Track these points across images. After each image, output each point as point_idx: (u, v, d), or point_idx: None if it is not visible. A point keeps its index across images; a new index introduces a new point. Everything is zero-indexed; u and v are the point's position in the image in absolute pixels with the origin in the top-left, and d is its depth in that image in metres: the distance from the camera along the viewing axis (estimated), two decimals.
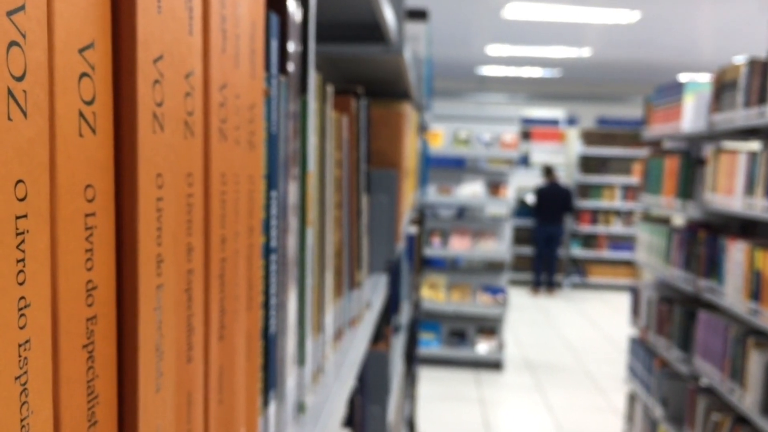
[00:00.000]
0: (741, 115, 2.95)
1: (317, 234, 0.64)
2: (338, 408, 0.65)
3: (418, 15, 2.40)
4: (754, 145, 3.41)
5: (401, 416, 2.20)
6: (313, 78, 0.57)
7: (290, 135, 0.48)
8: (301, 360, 0.55)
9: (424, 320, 5.96)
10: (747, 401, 2.69)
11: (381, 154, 1.29)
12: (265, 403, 0.43)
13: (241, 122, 0.35)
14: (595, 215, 10.13)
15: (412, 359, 2.69)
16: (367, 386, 1.18)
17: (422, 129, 3.64)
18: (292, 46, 0.48)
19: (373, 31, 1.20)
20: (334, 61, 1.63)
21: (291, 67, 0.49)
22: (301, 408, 0.55)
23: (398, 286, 1.92)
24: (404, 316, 2.16)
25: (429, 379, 5.60)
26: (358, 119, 0.84)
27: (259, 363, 0.41)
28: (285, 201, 0.47)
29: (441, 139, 6.06)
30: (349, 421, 0.87)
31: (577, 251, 10.13)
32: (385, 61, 1.36)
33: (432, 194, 5.98)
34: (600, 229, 10.08)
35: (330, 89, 0.70)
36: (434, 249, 6.00)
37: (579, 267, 10.23)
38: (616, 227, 10.02)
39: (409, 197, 2.10)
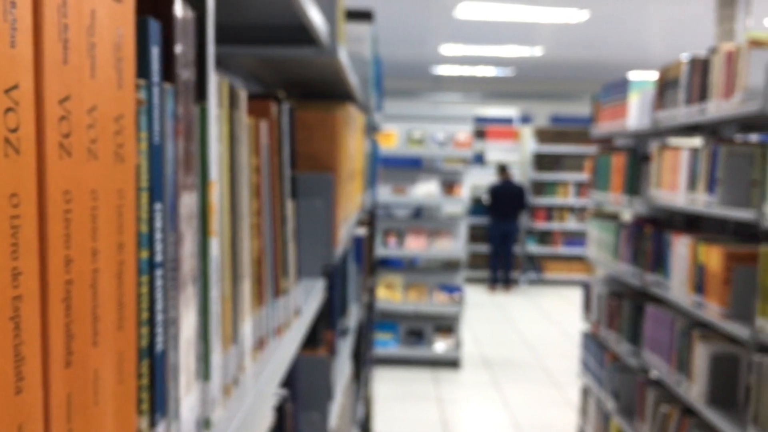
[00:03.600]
0: (683, 113, 3.01)
1: (228, 243, 0.62)
2: (254, 419, 0.64)
3: (363, 16, 2.39)
4: (697, 142, 3.49)
5: (352, 419, 2.19)
6: (213, 83, 0.55)
7: (180, 144, 0.46)
8: (205, 375, 0.54)
9: (380, 321, 5.96)
10: (693, 392, 2.75)
11: (316, 158, 1.28)
12: (153, 425, 0.42)
13: (100, 135, 0.33)
14: (549, 212, 10.27)
15: (363, 361, 2.68)
16: (302, 393, 1.17)
17: (373, 130, 3.63)
18: (180, 52, 0.46)
19: (303, 33, 1.19)
20: (271, 64, 1.61)
21: (182, 73, 0.47)
22: (206, 425, 0.53)
23: (344, 289, 1.91)
24: (353, 318, 2.15)
25: (386, 380, 5.61)
26: (280, 124, 0.83)
27: (140, 383, 0.40)
28: (175, 212, 0.45)
29: (395, 140, 6.07)
30: (279, 430, 0.86)
31: (533, 248, 10.26)
32: (320, 63, 1.35)
33: (386, 195, 5.98)
34: (555, 225, 10.22)
35: (243, 94, 0.68)
36: (390, 249, 6.00)
37: (535, 263, 10.36)
38: (571, 223, 10.17)
39: (354, 199, 2.09)
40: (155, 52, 0.41)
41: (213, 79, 0.55)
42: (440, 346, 5.96)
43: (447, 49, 9.73)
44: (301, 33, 1.22)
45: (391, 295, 5.94)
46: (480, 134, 10.52)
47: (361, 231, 2.44)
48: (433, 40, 9.21)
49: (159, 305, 0.42)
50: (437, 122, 6.29)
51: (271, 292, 0.79)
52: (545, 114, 12.36)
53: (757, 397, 2.27)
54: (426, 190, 6.00)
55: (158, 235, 0.42)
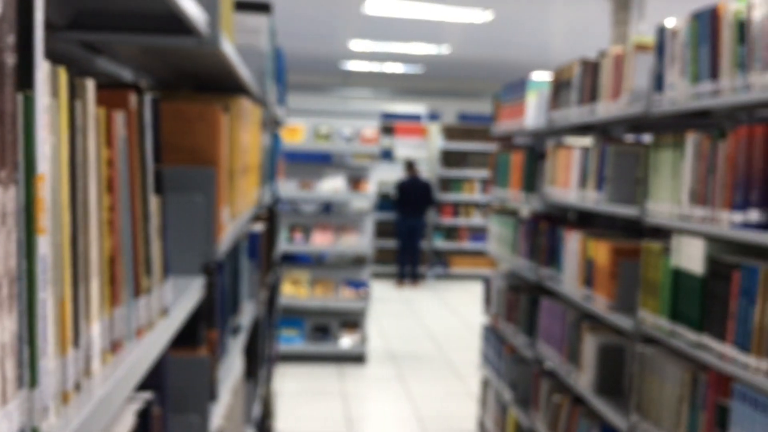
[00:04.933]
0: (575, 113, 3.12)
1: (67, 241, 0.58)
2: (98, 425, 0.61)
3: (259, 7, 2.35)
4: (588, 141, 3.63)
5: (245, 419, 2.15)
6: (42, 72, 0.52)
7: None
8: (31, 382, 0.50)
9: (286, 317, 5.90)
10: (582, 382, 2.86)
11: (197, 151, 1.24)
12: None
13: None
14: (456, 208, 10.46)
15: (261, 359, 2.64)
16: (177, 395, 1.13)
17: (275, 124, 3.58)
18: None
19: (183, 23, 1.15)
20: (156, 55, 1.55)
21: None
22: None
23: (235, 286, 1.87)
24: (246, 315, 2.11)
25: (291, 376, 5.56)
26: (141, 115, 0.79)
27: None
28: None
29: (301, 134, 6.01)
30: None
31: (440, 243, 10.42)
32: (201, 54, 1.31)
33: (293, 190, 5.93)
34: (461, 221, 10.42)
35: (89, 84, 0.65)
36: (296, 245, 5.95)
37: (442, 258, 10.53)
38: (476, 219, 10.40)
39: (249, 194, 2.05)
40: None
41: (42, 66, 0.51)
42: (346, 341, 5.96)
43: (356, 45, 9.73)
44: (180, 23, 1.18)
45: (296, 291, 5.89)
46: (389, 130, 10.59)
47: (258, 227, 2.40)
48: (342, 35, 9.19)
49: None
50: (345, 118, 6.28)
51: (129, 291, 0.75)
52: (453, 111, 12.58)
53: (639, 386, 2.38)
54: (332, 185, 5.98)
55: None
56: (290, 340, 5.86)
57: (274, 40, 2.70)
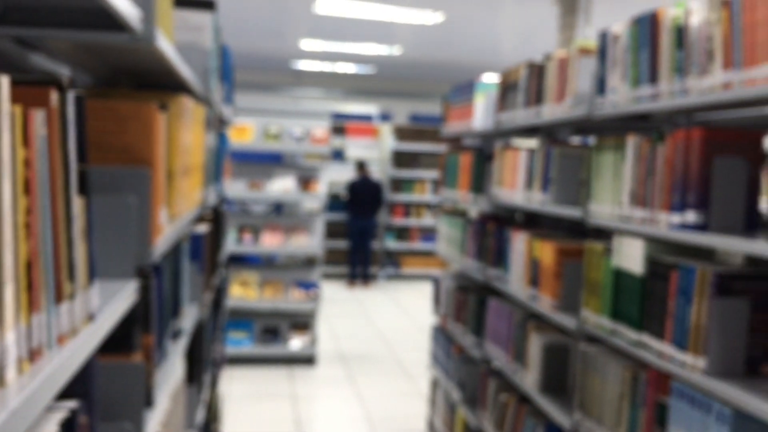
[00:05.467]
0: (521, 115, 3.16)
1: None
2: None
3: (203, 4, 2.30)
4: (535, 143, 3.67)
5: (187, 425, 2.11)
6: None
7: None
8: None
9: (234, 319, 5.82)
10: (528, 381, 2.89)
11: (131, 151, 1.20)
12: None
13: None
14: (407, 208, 10.50)
15: (205, 362, 2.59)
16: (109, 403, 1.09)
17: (221, 123, 3.52)
18: None
19: (114, 19, 1.11)
20: (91, 51, 1.50)
21: None
22: None
23: (175, 289, 1.83)
24: (188, 319, 2.07)
25: (240, 379, 5.49)
26: (64, 113, 0.76)
27: None
28: None
29: (250, 134, 5.94)
30: None
31: (391, 243, 10.44)
32: (135, 50, 1.27)
33: (242, 190, 5.85)
34: (412, 221, 10.46)
35: (3, 80, 0.61)
36: (245, 246, 5.88)
37: (393, 259, 10.55)
38: (427, 220, 10.45)
39: (191, 195, 2.01)
40: None
41: None
42: (296, 343, 5.92)
43: (307, 44, 9.68)
44: (113, 18, 1.14)
45: (245, 292, 5.82)
46: (340, 131, 10.56)
47: (202, 228, 2.36)
48: (293, 34, 9.13)
49: None
50: (295, 117, 6.22)
51: (49, 297, 0.72)
52: (404, 112, 12.62)
53: (582, 384, 2.41)
54: (282, 185, 5.93)
55: None
56: (239, 343, 5.79)
57: (218, 37, 2.66)
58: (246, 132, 5.90)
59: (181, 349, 1.84)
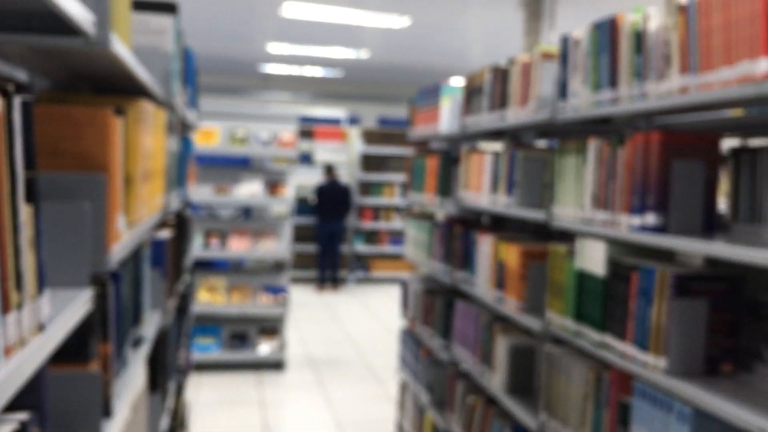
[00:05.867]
0: (486, 119, 3.18)
1: None
2: None
3: (164, 7, 2.28)
4: (500, 146, 3.70)
5: None
6: None
7: None
8: None
9: (202, 325, 5.77)
10: (495, 383, 2.91)
11: (86, 157, 1.18)
12: None
13: None
14: (376, 212, 10.50)
15: (170, 370, 2.56)
16: (64, 414, 1.07)
17: (185, 127, 3.49)
18: None
19: (67, 23, 1.09)
20: (48, 56, 1.48)
21: None
22: None
23: (136, 296, 1.80)
24: (150, 326, 2.04)
25: (207, 385, 5.43)
26: (10, 120, 0.74)
27: None
28: None
29: (217, 138, 5.89)
30: None
31: (360, 247, 10.43)
32: (94, 55, 1.25)
33: (208, 195, 5.80)
34: (381, 225, 10.46)
35: None
36: (212, 251, 5.83)
37: (363, 262, 10.54)
38: (396, 223, 10.46)
39: (152, 201, 1.98)
40: None
41: None
42: (264, 348, 5.87)
43: (274, 48, 9.64)
44: (66, 22, 1.12)
45: (213, 298, 5.76)
46: (308, 134, 10.53)
47: (165, 234, 2.33)
48: (260, 37, 9.09)
49: None
50: (262, 121, 6.19)
51: None
52: (373, 116, 12.63)
53: (548, 385, 2.43)
54: (249, 190, 5.89)
55: None
56: (206, 349, 5.73)
57: (181, 41, 2.63)
58: (212, 136, 5.85)
59: (143, 356, 1.81)
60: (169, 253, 2.37)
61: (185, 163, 3.16)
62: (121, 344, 1.58)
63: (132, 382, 1.62)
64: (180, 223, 2.85)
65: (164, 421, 2.34)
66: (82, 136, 1.17)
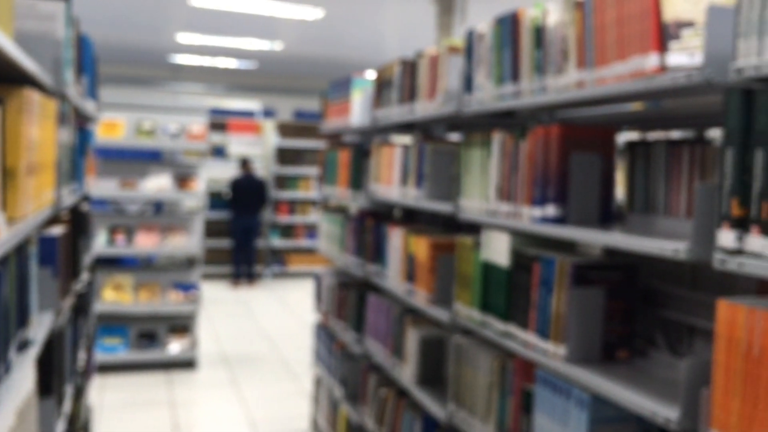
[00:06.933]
0: (396, 112, 3.18)
1: None
2: None
3: None
4: (408, 139, 3.72)
5: None
6: None
7: None
8: None
9: (107, 325, 5.55)
10: (406, 375, 2.92)
11: None
12: None
13: None
14: (292, 206, 10.39)
15: (67, 373, 2.43)
16: None
17: (81, 118, 3.33)
18: None
19: None
20: None
21: None
22: None
23: (22, 297, 1.70)
24: (40, 329, 1.93)
25: (113, 387, 5.24)
26: None
27: None
28: None
29: (121, 130, 5.67)
30: None
31: (276, 241, 10.31)
32: None
33: (113, 189, 5.58)
34: (297, 219, 10.37)
35: None
36: (118, 248, 5.61)
37: (279, 257, 10.42)
38: (313, 217, 10.39)
39: (40, 196, 1.87)
40: None
41: None
42: (175, 347, 5.71)
43: (184, 38, 9.37)
44: None
45: (119, 296, 5.55)
46: (222, 127, 10.30)
47: (56, 230, 2.21)
48: (169, 27, 8.81)
49: None
50: (170, 113, 5.99)
51: None
52: (288, 109, 12.49)
53: (456, 376, 2.46)
54: (157, 184, 5.70)
55: None
56: (113, 349, 5.52)
57: (74, 27, 2.50)
58: (116, 128, 5.62)
59: (31, 360, 1.71)
60: (62, 251, 2.25)
61: (82, 155, 3.01)
62: (5, 348, 1.49)
63: (18, 387, 1.53)
64: (76, 219, 2.72)
65: (60, 426, 2.23)
66: None
